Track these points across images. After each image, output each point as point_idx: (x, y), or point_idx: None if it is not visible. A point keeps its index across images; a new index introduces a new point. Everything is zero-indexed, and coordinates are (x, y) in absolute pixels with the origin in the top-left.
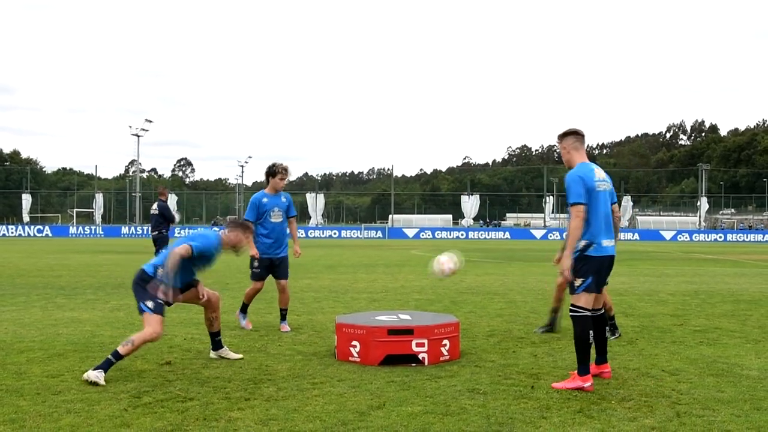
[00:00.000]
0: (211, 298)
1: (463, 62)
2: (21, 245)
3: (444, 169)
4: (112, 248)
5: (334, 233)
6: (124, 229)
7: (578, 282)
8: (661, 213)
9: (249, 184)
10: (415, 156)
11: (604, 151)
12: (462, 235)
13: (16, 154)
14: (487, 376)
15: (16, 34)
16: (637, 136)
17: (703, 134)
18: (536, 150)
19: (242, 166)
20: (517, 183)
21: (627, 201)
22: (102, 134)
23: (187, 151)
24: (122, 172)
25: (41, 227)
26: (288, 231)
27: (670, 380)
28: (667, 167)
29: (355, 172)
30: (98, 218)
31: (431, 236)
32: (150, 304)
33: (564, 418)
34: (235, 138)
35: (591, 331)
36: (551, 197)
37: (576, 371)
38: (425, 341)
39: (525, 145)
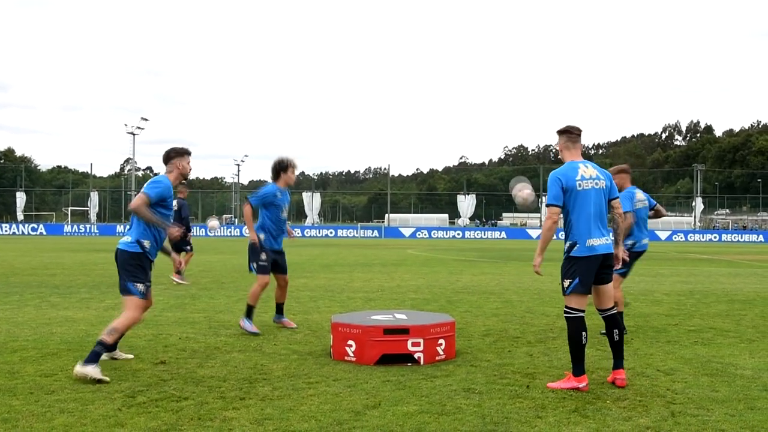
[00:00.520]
0: None
1: (460, 62)
2: (15, 243)
3: (440, 169)
4: (107, 247)
5: (331, 232)
6: (120, 228)
7: (566, 283)
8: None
9: (245, 182)
10: (411, 155)
11: (600, 151)
12: (458, 234)
13: (10, 151)
14: (483, 375)
15: (11, 31)
16: (633, 136)
17: (699, 135)
18: (532, 150)
19: (238, 165)
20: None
21: None
22: (97, 132)
23: None
24: (117, 170)
25: (36, 226)
26: None
27: (665, 380)
28: (662, 167)
29: (352, 172)
30: (93, 217)
31: (427, 236)
32: (140, 287)
33: (559, 418)
34: (232, 137)
35: (584, 332)
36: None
37: (571, 371)
38: (421, 341)
39: (521, 145)
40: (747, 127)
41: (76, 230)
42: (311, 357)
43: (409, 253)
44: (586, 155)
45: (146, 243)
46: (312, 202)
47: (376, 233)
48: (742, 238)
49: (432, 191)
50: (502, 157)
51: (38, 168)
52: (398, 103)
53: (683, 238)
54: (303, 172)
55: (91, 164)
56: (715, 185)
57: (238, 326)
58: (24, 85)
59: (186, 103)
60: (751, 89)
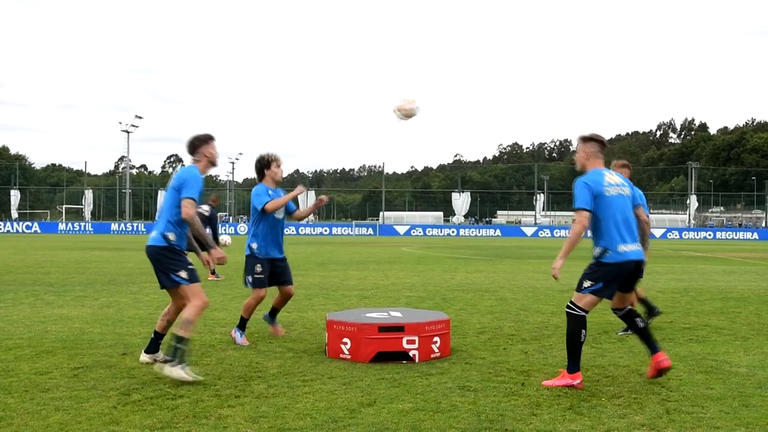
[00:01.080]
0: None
1: (455, 61)
2: (9, 241)
3: (435, 167)
4: (101, 245)
5: (325, 230)
6: (114, 226)
7: (587, 284)
8: (651, 211)
9: (240, 180)
10: (406, 153)
11: None
12: (453, 232)
13: (4, 149)
14: (478, 373)
15: (4, 29)
16: (628, 134)
17: (693, 132)
18: (527, 148)
19: (233, 163)
20: (508, 180)
21: None
22: (91, 130)
23: (177, 147)
24: (112, 168)
25: (30, 223)
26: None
27: (660, 377)
28: (657, 165)
29: (346, 169)
30: (87, 215)
31: (422, 233)
32: (184, 274)
33: (554, 415)
34: (226, 134)
35: (584, 330)
36: (542, 195)
37: (566, 368)
38: (416, 338)
39: (516, 143)
40: (741, 125)
41: (71, 228)
42: (306, 355)
43: (403, 251)
44: None
45: (171, 236)
46: (306, 199)
47: (370, 231)
48: (736, 235)
49: (426, 189)
50: (497, 155)
51: (32, 166)
52: (393, 100)
53: (678, 236)
54: (297, 170)
55: (86, 162)
56: (709, 183)
57: (233, 326)
58: (17, 82)
59: (179, 101)
60: (745, 87)
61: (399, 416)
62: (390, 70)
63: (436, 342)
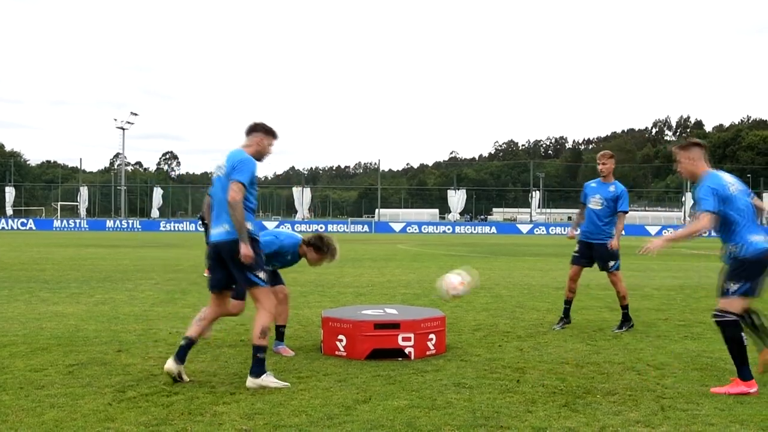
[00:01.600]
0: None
1: (451, 57)
2: (4, 238)
3: (431, 164)
4: (97, 242)
5: (321, 227)
6: (109, 223)
7: (734, 286)
8: (647, 208)
9: None
10: (401, 150)
11: (590, 146)
12: (448, 229)
13: None
14: (473, 370)
15: None
16: (623, 131)
17: (689, 130)
18: (523, 145)
19: None
20: (504, 178)
21: None
22: (86, 127)
23: (173, 144)
24: (107, 165)
25: (25, 220)
26: None
27: (655, 374)
28: (652, 163)
29: (342, 166)
30: (83, 211)
31: (418, 231)
32: (262, 275)
33: (549, 412)
34: (222, 131)
35: (743, 333)
36: (537, 192)
37: (738, 377)
38: (411, 335)
39: (512, 140)
40: (737, 123)
41: (66, 225)
42: (302, 352)
43: (399, 248)
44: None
45: (248, 225)
46: (302, 197)
47: (366, 228)
48: None
49: (422, 186)
50: (493, 152)
51: (27, 163)
52: (388, 97)
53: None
54: (293, 167)
55: (81, 159)
56: None
57: (230, 322)
58: (11, 79)
59: (175, 98)
60: (741, 85)
61: (394, 413)
62: (385, 66)
63: (431, 339)
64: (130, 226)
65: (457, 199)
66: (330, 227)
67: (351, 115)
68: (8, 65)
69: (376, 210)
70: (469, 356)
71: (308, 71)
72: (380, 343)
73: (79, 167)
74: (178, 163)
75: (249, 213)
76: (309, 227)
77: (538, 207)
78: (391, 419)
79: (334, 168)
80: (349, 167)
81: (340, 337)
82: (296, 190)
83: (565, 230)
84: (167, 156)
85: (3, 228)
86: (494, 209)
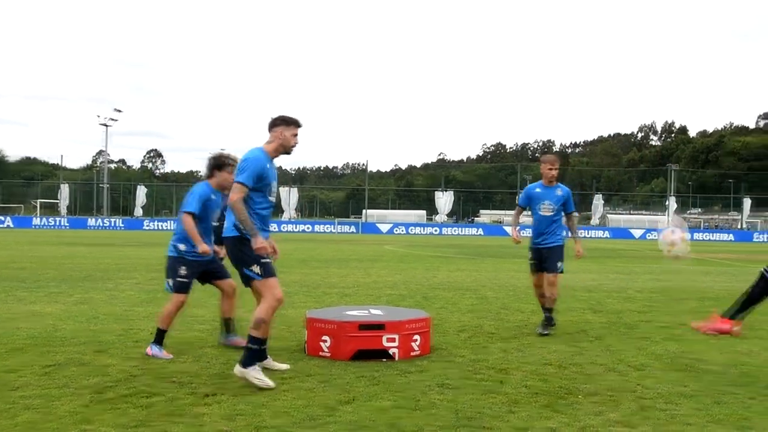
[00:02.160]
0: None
1: (439, 59)
2: None
3: (419, 165)
4: (78, 240)
5: (308, 228)
6: (91, 221)
7: None
8: (632, 212)
9: None
10: (389, 151)
11: (577, 150)
12: (435, 231)
13: None
14: (457, 371)
15: None
16: (610, 135)
17: (673, 135)
18: (510, 148)
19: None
20: (491, 180)
21: (598, 199)
22: (68, 123)
23: (157, 142)
24: (89, 162)
25: (3, 218)
26: None
27: (636, 375)
28: (637, 167)
29: (330, 167)
30: (63, 209)
31: (405, 232)
32: (257, 269)
33: (531, 413)
34: (207, 129)
35: None
36: None
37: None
38: (396, 336)
39: (500, 143)
40: (720, 128)
41: (46, 223)
42: (285, 352)
43: (386, 249)
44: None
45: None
46: (289, 197)
47: (353, 229)
48: (713, 237)
49: (410, 187)
50: (481, 155)
51: (6, 159)
52: (377, 98)
53: (657, 237)
54: (280, 167)
55: (62, 156)
56: (688, 185)
57: (212, 322)
58: None
59: (160, 94)
60: (724, 91)
61: (377, 414)
62: (374, 67)
63: (416, 340)
64: (113, 224)
65: (444, 200)
66: (317, 227)
67: (339, 115)
68: None
69: (364, 211)
70: (454, 357)
71: (297, 71)
72: (365, 344)
73: (60, 164)
74: (163, 161)
75: (256, 217)
76: (296, 227)
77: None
78: (374, 420)
79: (321, 168)
80: (336, 167)
81: (325, 337)
82: (283, 190)
83: None
84: (152, 154)
85: None
86: (481, 211)
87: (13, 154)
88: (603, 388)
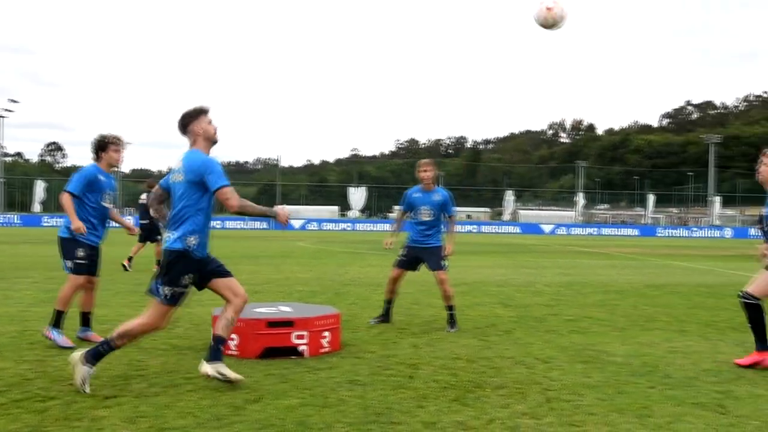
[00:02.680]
0: None
1: (352, 54)
2: None
3: (332, 161)
4: None
5: (218, 224)
6: None
7: None
8: (542, 207)
9: (127, 171)
10: (302, 146)
11: (489, 146)
12: (348, 227)
13: None
14: (367, 367)
15: None
16: (521, 132)
17: (582, 133)
18: (424, 144)
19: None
20: (405, 176)
21: (510, 195)
22: None
23: (58, 134)
24: None
25: None
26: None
27: (543, 367)
28: (547, 163)
29: (241, 162)
30: None
31: (318, 228)
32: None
33: (440, 407)
34: (112, 122)
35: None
36: None
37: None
38: (305, 333)
39: (413, 139)
40: (626, 127)
41: None
42: (191, 352)
43: (298, 245)
44: (475, 150)
45: (191, 239)
46: None
47: (265, 225)
48: (619, 231)
49: (323, 183)
50: (394, 150)
51: None
52: (289, 92)
53: (566, 232)
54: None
55: None
56: (596, 181)
57: (114, 323)
58: None
59: (60, 85)
60: (629, 91)
61: (285, 412)
62: (286, 61)
63: (326, 337)
64: (9, 220)
65: (358, 196)
66: (227, 224)
67: (250, 109)
68: None
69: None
70: (364, 353)
71: (206, 62)
72: (273, 342)
73: None
74: (64, 155)
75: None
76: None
77: None
78: (281, 418)
79: (232, 163)
80: (248, 162)
81: (232, 336)
82: None
83: (464, 228)
84: (51, 147)
85: None
86: (395, 207)
87: None
88: (511, 381)
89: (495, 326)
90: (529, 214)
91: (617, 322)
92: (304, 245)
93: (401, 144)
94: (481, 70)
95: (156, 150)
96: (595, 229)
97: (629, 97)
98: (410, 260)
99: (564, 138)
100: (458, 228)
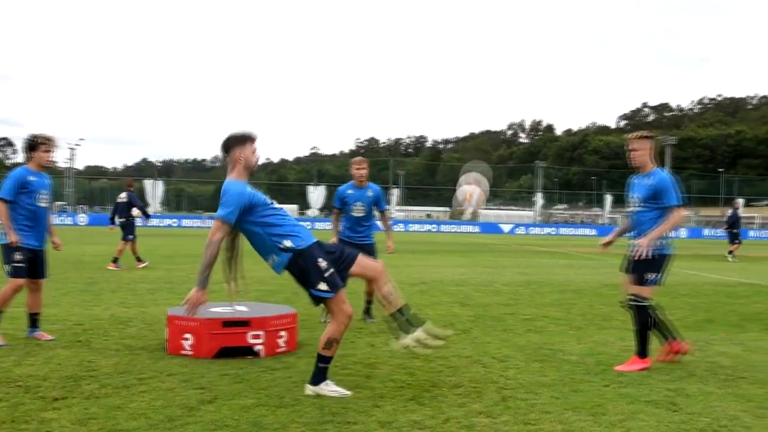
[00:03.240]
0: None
1: (312, 53)
2: None
3: (291, 159)
4: None
5: (174, 222)
6: None
7: (651, 276)
8: (501, 207)
9: (81, 167)
10: (261, 144)
11: (449, 146)
12: (308, 225)
13: None
14: None
15: None
16: (481, 132)
17: (541, 133)
18: (384, 143)
19: (72, 149)
20: None
21: None
22: None
23: (8, 130)
24: None
25: None
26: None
27: (499, 366)
28: (507, 163)
29: (198, 159)
30: None
31: None
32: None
33: (396, 406)
34: (65, 118)
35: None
36: (397, 189)
37: (638, 354)
38: (261, 333)
39: (373, 138)
40: (584, 128)
41: None
42: (145, 352)
43: None
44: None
45: (287, 242)
46: (154, 190)
47: None
48: (577, 231)
49: (282, 181)
50: (354, 149)
51: None
52: (248, 89)
53: (525, 231)
54: (145, 159)
55: None
56: (554, 181)
57: (64, 323)
58: None
59: (12, 78)
60: (588, 93)
61: (240, 412)
62: (244, 59)
63: (282, 336)
64: None
65: (317, 195)
66: (184, 222)
67: (208, 106)
68: None
69: None
70: None
71: (161, 58)
72: (228, 341)
73: None
74: (14, 151)
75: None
76: (162, 222)
77: (398, 204)
78: (236, 419)
79: (189, 161)
80: (205, 160)
81: (186, 335)
82: (148, 183)
83: (423, 227)
84: (2, 143)
85: None
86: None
87: None
88: (467, 380)
89: (453, 325)
90: (488, 214)
91: (574, 321)
92: None
93: (361, 143)
94: (442, 70)
95: (109, 146)
96: (554, 228)
97: (588, 99)
98: None
99: (523, 138)
100: (416, 227)
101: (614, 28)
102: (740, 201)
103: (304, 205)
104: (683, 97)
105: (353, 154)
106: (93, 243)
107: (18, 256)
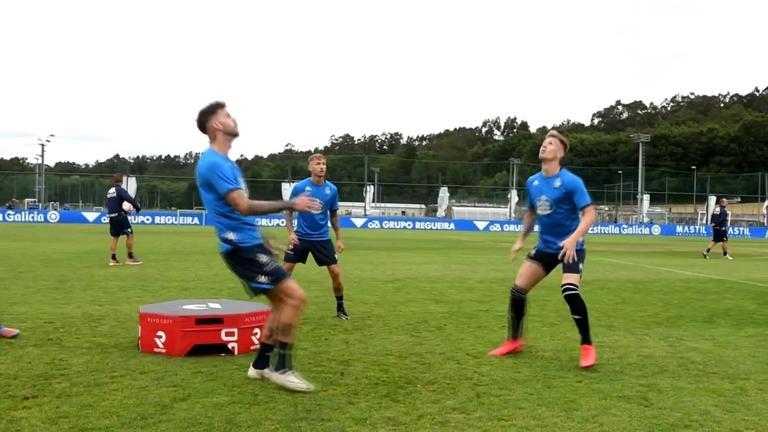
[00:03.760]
0: None
1: (288, 49)
2: None
3: (265, 156)
4: None
5: (147, 219)
6: None
7: (581, 266)
8: (476, 204)
9: (51, 164)
10: (235, 141)
11: (424, 143)
12: (282, 222)
13: None
14: (298, 363)
15: None
16: (456, 129)
17: (515, 131)
18: (359, 140)
19: (43, 145)
20: (339, 171)
21: (444, 192)
22: None
23: None
24: None
25: None
26: None
27: (473, 363)
28: (481, 160)
29: (171, 156)
30: None
31: None
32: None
33: (371, 403)
34: (35, 114)
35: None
36: (372, 186)
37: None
38: (235, 330)
39: (348, 134)
40: (559, 125)
41: None
42: (117, 350)
43: None
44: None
45: (231, 235)
46: (127, 187)
47: (196, 220)
48: None
49: (256, 178)
50: (329, 146)
51: None
52: (222, 86)
53: (499, 228)
54: (117, 155)
55: None
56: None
57: (35, 320)
58: None
59: None
60: (562, 90)
61: (213, 410)
62: (218, 54)
63: (256, 334)
64: None
65: (291, 191)
66: (157, 219)
67: (181, 102)
68: None
69: None
70: (295, 350)
71: (135, 54)
72: (202, 339)
73: None
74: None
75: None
76: (135, 219)
77: (373, 201)
78: (209, 417)
79: (162, 157)
80: (179, 157)
81: (159, 333)
82: None
83: (398, 224)
84: None
85: None
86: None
87: None
88: (441, 377)
89: (427, 322)
90: (463, 211)
91: (547, 317)
92: None
93: (336, 139)
94: (418, 67)
95: (79, 143)
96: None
97: (562, 97)
98: (299, 253)
99: (498, 135)
100: (392, 224)
101: (588, 27)
102: (725, 200)
103: None
104: (656, 95)
105: (328, 150)
106: (64, 240)
107: None
